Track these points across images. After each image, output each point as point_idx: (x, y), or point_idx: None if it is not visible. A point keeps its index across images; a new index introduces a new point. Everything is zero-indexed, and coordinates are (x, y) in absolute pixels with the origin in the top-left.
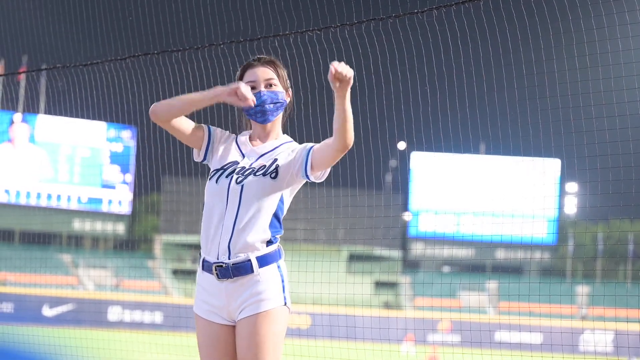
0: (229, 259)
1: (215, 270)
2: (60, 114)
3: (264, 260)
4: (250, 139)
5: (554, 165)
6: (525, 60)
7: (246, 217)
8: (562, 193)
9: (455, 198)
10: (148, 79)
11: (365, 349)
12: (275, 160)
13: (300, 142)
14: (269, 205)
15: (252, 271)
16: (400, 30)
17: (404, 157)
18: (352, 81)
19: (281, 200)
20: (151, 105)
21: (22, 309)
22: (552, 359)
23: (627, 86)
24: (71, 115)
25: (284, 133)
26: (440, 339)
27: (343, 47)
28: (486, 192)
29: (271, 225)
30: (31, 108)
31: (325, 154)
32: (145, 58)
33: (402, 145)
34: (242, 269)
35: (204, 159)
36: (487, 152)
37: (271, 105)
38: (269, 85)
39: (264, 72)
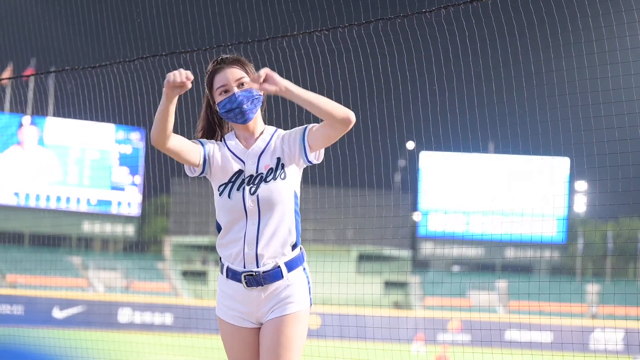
0: (258, 267)
1: (245, 279)
2: (69, 117)
3: (291, 265)
4: (239, 140)
5: (563, 163)
6: (534, 59)
7: (269, 225)
8: (571, 191)
9: (464, 197)
10: (157, 81)
11: (375, 349)
12: (279, 159)
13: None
14: (288, 206)
15: (282, 277)
16: (409, 30)
17: (413, 157)
18: (274, 75)
19: (295, 196)
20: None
21: (32, 311)
22: (563, 358)
23: (636, 84)
24: (80, 118)
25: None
26: (450, 338)
27: (351, 47)
28: (495, 191)
29: (297, 228)
30: (40, 111)
31: (326, 131)
32: (154, 60)
33: (411, 145)
34: (272, 276)
35: (202, 171)
36: (496, 151)
37: (249, 104)
38: (240, 84)
39: (233, 73)
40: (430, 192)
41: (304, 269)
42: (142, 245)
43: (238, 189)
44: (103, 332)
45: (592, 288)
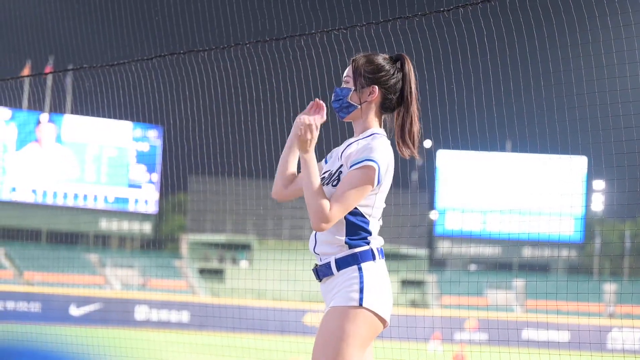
0: (320, 262)
1: (313, 272)
2: (87, 114)
3: (343, 262)
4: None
5: (581, 162)
6: (552, 57)
7: None
8: (589, 190)
9: (481, 196)
10: (174, 79)
11: (392, 348)
12: (341, 165)
13: (327, 145)
14: None
15: (332, 273)
16: (427, 29)
17: (430, 155)
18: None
19: None
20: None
21: (49, 309)
22: (580, 357)
23: None
24: (97, 115)
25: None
26: (467, 337)
27: (369, 46)
28: (513, 190)
29: (347, 230)
30: (58, 108)
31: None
32: (172, 58)
33: (428, 144)
34: (324, 271)
35: None
36: (514, 149)
37: (336, 103)
38: (345, 82)
39: (347, 70)
40: (447, 191)
41: (360, 268)
42: (159, 243)
43: None
44: (120, 330)
45: (610, 287)
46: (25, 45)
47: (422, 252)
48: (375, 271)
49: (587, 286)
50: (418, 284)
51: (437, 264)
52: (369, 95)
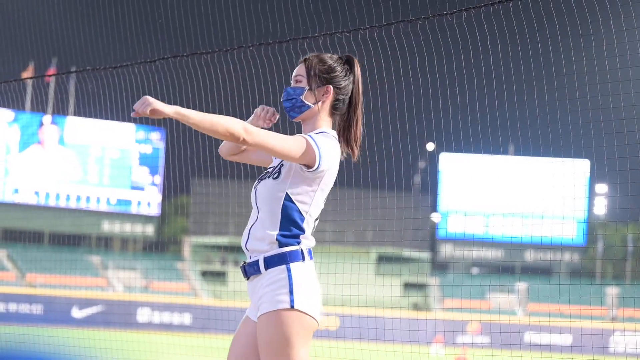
0: (249, 259)
1: (241, 270)
2: (90, 116)
3: (272, 261)
4: None
5: (583, 166)
6: (555, 61)
7: (258, 221)
8: (591, 194)
9: (484, 199)
10: (177, 81)
11: (394, 351)
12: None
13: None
14: (274, 207)
15: (260, 271)
16: (430, 32)
17: (433, 158)
18: (157, 106)
19: (289, 200)
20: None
21: (51, 311)
22: None
23: None
24: (100, 117)
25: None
26: (470, 340)
27: (372, 49)
28: (515, 193)
29: (282, 224)
30: (61, 110)
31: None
32: (175, 60)
33: (431, 147)
34: (252, 269)
35: None
36: (516, 153)
37: (287, 102)
38: (295, 81)
39: (298, 69)
40: (450, 194)
41: (289, 268)
42: (161, 245)
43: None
44: (122, 332)
45: (612, 291)
46: (28, 47)
47: (425, 255)
48: (305, 272)
49: (590, 289)
50: (420, 287)
51: (439, 267)
52: (323, 95)
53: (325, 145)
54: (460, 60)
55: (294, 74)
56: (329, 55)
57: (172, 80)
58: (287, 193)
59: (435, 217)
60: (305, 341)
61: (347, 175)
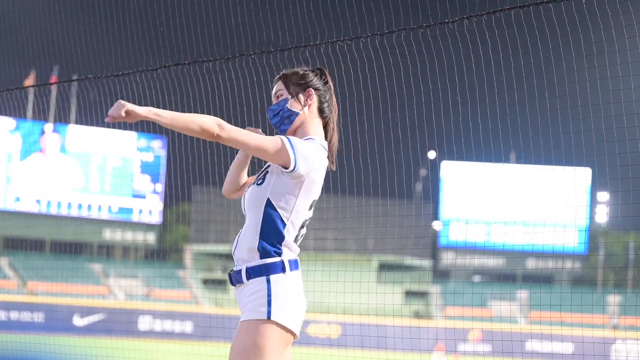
0: (235, 267)
1: (228, 277)
2: (91, 124)
3: (253, 272)
4: None
5: (585, 174)
6: (557, 69)
7: (244, 228)
8: (593, 202)
9: (485, 207)
10: (179, 89)
11: (395, 359)
12: (268, 166)
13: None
14: (257, 214)
15: (242, 281)
16: (431, 40)
17: (435, 166)
18: (130, 107)
19: (270, 206)
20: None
21: (52, 319)
22: None
23: None
24: (102, 125)
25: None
26: (471, 348)
27: (374, 57)
28: (517, 201)
29: (263, 236)
30: (62, 118)
31: None
32: (177, 68)
33: (432, 155)
34: (236, 278)
35: None
36: (518, 161)
37: (275, 118)
38: (276, 97)
39: (276, 86)
40: (451, 202)
41: (268, 280)
42: (162, 253)
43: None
44: (123, 340)
45: (614, 299)
46: (30, 55)
47: (426, 263)
48: (285, 284)
49: (591, 298)
50: (422, 294)
51: (441, 275)
52: (307, 99)
53: (306, 149)
54: (462, 69)
55: (273, 92)
56: (300, 67)
57: (174, 88)
58: (268, 199)
59: (436, 225)
60: (277, 352)
61: (348, 183)
